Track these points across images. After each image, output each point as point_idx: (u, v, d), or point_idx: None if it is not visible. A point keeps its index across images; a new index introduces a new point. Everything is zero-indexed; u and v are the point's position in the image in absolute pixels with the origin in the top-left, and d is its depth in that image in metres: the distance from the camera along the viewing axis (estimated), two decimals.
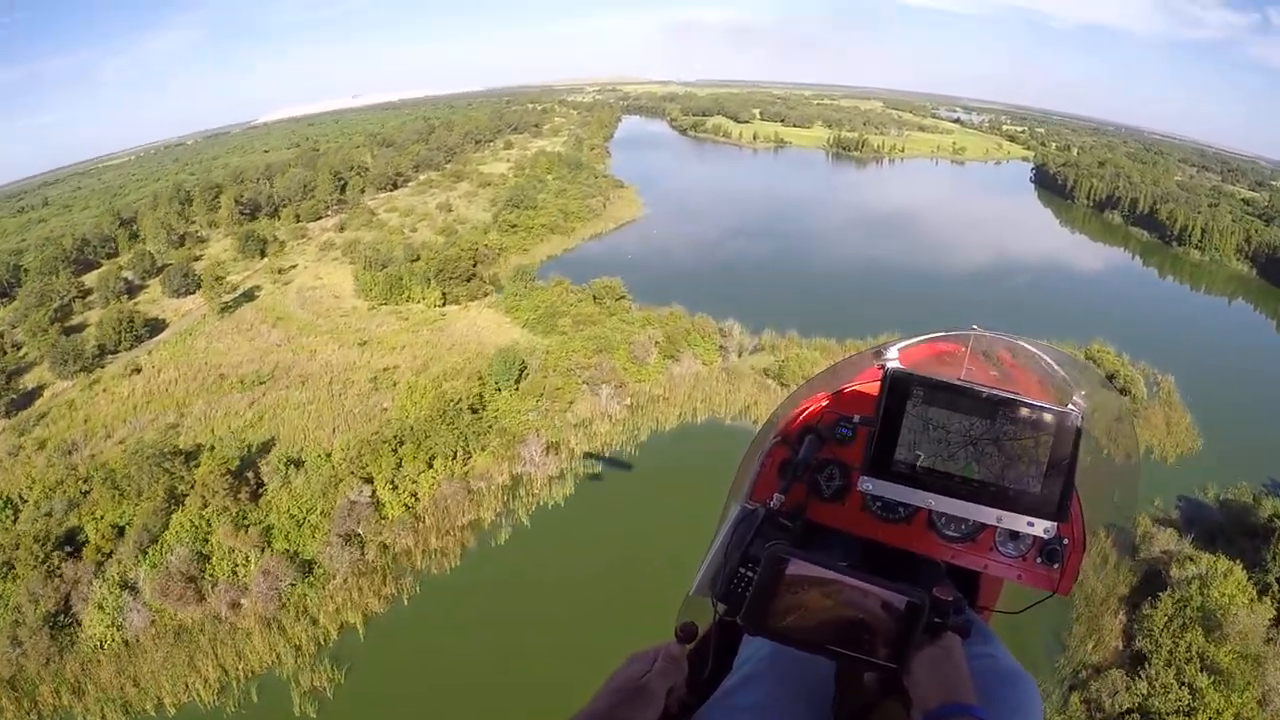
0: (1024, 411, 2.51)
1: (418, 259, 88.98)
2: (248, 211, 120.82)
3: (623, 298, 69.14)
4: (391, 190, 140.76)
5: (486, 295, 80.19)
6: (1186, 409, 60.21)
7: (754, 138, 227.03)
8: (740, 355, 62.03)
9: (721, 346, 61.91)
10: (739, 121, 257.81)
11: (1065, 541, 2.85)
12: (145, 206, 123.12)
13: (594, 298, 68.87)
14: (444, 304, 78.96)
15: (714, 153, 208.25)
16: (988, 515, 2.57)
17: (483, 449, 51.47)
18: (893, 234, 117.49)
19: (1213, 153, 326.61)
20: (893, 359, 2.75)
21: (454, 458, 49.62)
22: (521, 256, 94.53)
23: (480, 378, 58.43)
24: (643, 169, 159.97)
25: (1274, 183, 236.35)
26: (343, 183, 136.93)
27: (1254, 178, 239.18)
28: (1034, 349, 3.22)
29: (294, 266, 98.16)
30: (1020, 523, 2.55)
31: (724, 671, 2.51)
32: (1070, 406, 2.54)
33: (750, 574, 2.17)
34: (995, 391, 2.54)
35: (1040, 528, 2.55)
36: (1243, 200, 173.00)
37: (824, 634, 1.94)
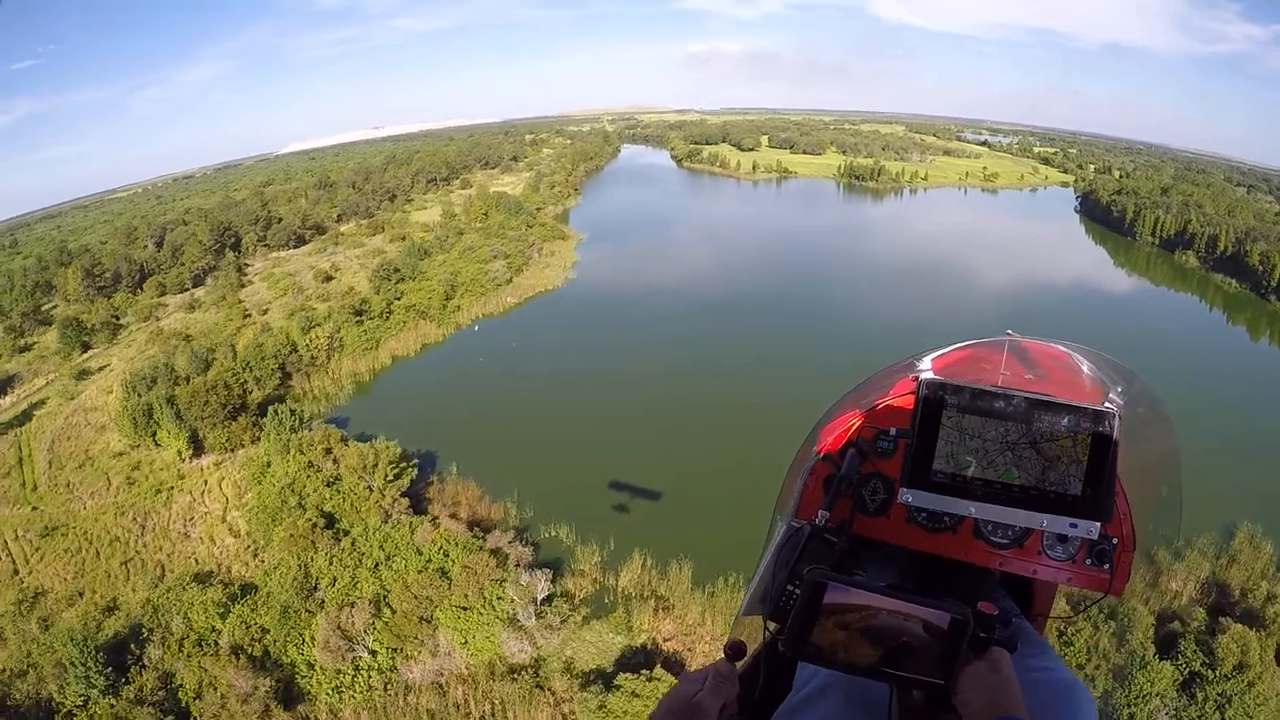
0: (1060, 413, 2.39)
1: (209, 368, 60.71)
2: (105, 285, 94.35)
3: (396, 478, 38.88)
4: (295, 247, 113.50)
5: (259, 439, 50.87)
6: None
7: (753, 168, 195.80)
8: (552, 625, 31.17)
9: (512, 617, 31.19)
10: (742, 149, 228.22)
11: (1114, 541, 2.63)
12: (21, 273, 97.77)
13: (356, 476, 39.01)
14: (196, 454, 50.53)
15: (708, 187, 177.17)
16: (1032, 520, 2.45)
17: None
18: (923, 304, 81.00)
19: (1247, 168, 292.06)
20: (926, 369, 2.64)
21: None
22: (359, 360, 64.99)
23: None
24: (608, 212, 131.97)
25: None
26: (233, 240, 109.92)
27: None
28: (1069, 350, 3.13)
29: (104, 368, 71.29)
30: (1063, 524, 2.43)
31: (779, 688, 2.49)
32: (1107, 405, 2.39)
33: (799, 591, 2.10)
34: (1030, 394, 2.41)
35: (1084, 529, 2.43)
36: None
37: (867, 656, 1.94)
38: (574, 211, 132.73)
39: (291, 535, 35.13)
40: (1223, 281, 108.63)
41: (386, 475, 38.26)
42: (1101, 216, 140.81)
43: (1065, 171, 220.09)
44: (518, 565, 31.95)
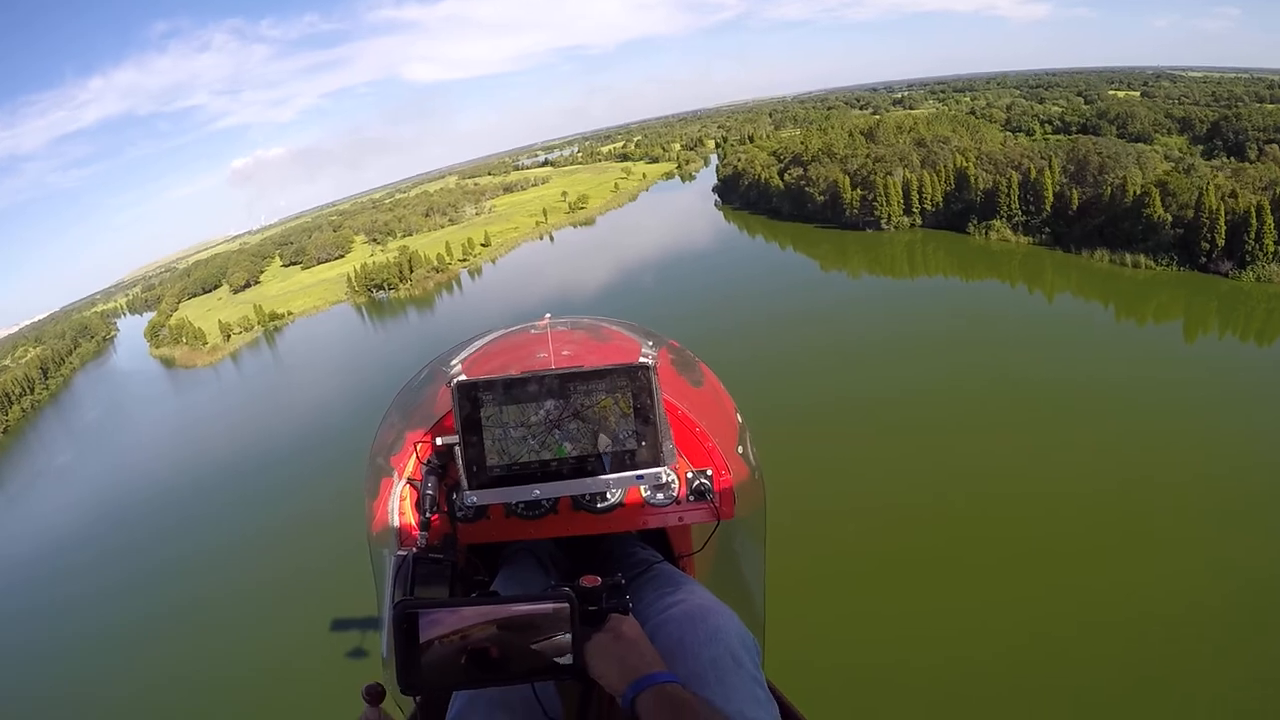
0: (594, 379, 2.41)
1: None
2: None
3: None
4: None
5: None
6: None
7: (225, 337, 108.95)
8: None
9: None
10: (236, 290, 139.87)
11: (709, 473, 2.72)
12: None
13: None
14: None
15: (147, 404, 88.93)
16: (600, 484, 2.46)
17: None
18: None
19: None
20: (456, 371, 2.46)
21: None
22: None
23: None
24: None
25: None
26: None
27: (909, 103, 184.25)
28: (605, 322, 3.23)
29: None
30: (630, 479, 2.46)
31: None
32: (640, 359, 2.44)
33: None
34: (561, 370, 2.42)
35: (650, 477, 2.46)
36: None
37: (489, 668, 1.76)
38: None
39: None
40: (1115, 261, 50.74)
41: None
42: (789, 210, 79.13)
43: (654, 161, 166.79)
44: None
